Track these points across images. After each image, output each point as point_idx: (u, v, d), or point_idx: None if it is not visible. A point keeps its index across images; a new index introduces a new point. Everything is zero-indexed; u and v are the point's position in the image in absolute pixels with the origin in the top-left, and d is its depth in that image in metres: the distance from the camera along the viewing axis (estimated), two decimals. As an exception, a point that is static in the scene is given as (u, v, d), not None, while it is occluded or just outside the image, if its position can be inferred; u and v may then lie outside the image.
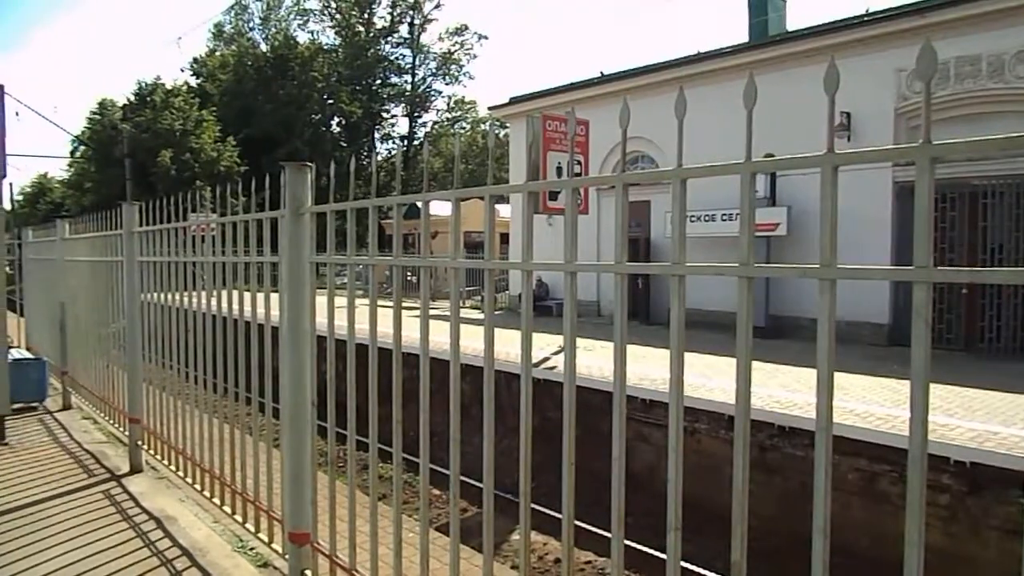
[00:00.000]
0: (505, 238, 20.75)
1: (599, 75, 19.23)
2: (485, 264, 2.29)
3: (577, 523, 2.05)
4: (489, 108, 24.10)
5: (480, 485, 2.26)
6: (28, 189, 54.00)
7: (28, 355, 8.02)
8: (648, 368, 9.99)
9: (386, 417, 2.64)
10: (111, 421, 6.18)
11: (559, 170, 12.54)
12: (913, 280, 1.24)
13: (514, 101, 21.22)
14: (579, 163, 12.80)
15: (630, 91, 17.23)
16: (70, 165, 46.02)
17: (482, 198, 2.27)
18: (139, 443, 5.22)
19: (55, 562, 3.60)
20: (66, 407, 7.35)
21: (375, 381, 2.70)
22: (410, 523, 4.10)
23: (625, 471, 1.83)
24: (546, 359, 10.46)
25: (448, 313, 2.46)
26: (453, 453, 2.35)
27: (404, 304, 2.75)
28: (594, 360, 10.25)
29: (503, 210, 21.12)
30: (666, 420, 1.74)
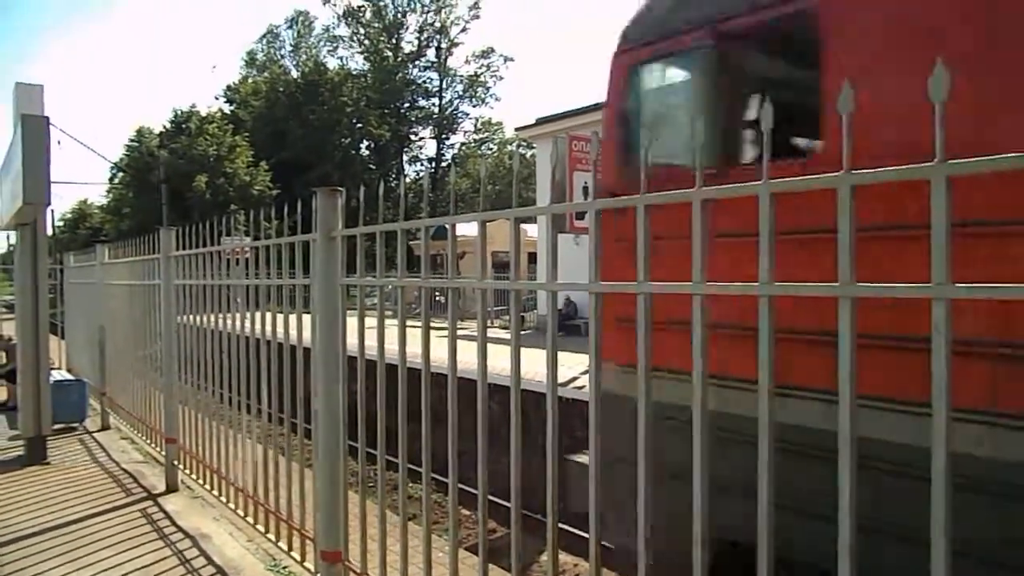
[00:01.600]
0: (533, 257, 20.79)
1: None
2: (512, 285, 2.33)
3: (604, 544, 2.06)
4: (516, 129, 24.28)
5: (509, 505, 2.28)
6: (69, 215, 55.54)
7: (69, 377, 8.25)
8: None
9: (416, 437, 2.68)
10: (148, 441, 6.32)
11: (585, 190, 12.57)
12: (933, 296, 1.25)
13: (541, 122, 21.33)
14: (605, 182, 12.82)
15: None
16: (109, 191, 47.37)
17: (508, 220, 2.32)
18: (175, 463, 5.33)
19: (93, 579, 3.70)
20: (105, 427, 7.53)
21: (404, 401, 2.75)
22: (440, 543, 4.12)
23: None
24: (574, 379, 10.43)
25: (476, 333, 2.50)
26: (481, 473, 2.38)
27: (433, 324, 2.80)
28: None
29: (530, 229, 21.19)
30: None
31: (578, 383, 10.18)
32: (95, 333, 7.93)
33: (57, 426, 6.89)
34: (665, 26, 3.69)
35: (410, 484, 3.14)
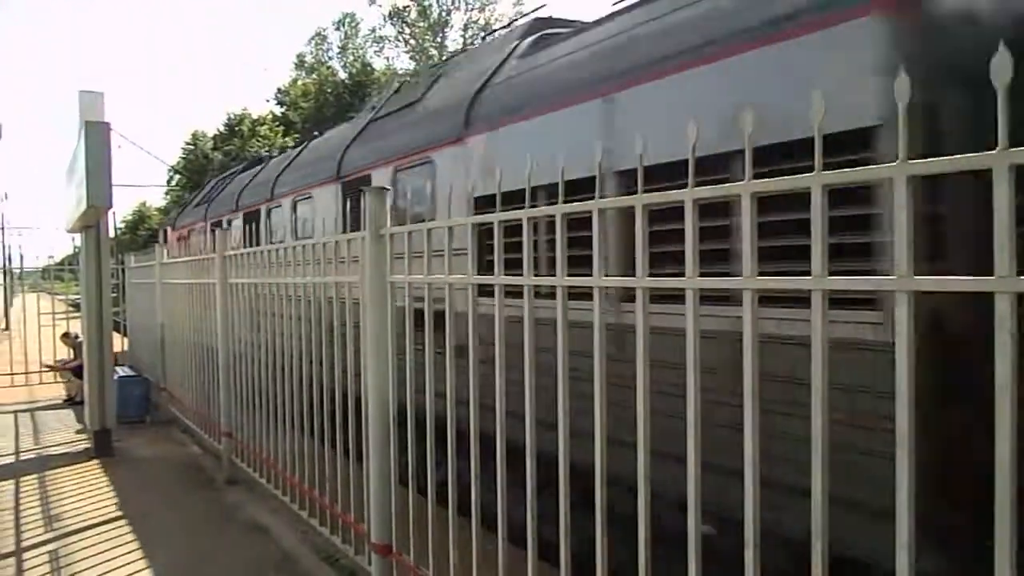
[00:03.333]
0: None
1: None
2: (590, 281, 2.32)
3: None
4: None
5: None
6: (129, 217, 57.52)
7: (132, 373, 8.57)
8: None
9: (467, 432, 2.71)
10: (207, 435, 6.52)
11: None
12: (995, 290, 1.21)
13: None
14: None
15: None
16: (167, 193, 48.88)
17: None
18: (233, 456, 5.49)
19: (158, 566, 3.85)
20: (165, 421, 7.80)
21: (453, 400, 2.78)
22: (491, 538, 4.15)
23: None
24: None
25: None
26: (530, 468, 2.39)
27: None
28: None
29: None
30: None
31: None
32: (155, 331, 8.23)
33: (121, 420, 7.17)
34: None
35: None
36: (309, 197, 7.26)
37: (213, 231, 6.28)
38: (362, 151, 6.44)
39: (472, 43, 54.14)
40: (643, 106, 3.53)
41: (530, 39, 5.17)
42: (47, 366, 9.85)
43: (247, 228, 8.65)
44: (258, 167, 11.46)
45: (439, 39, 54.81)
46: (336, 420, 3.83)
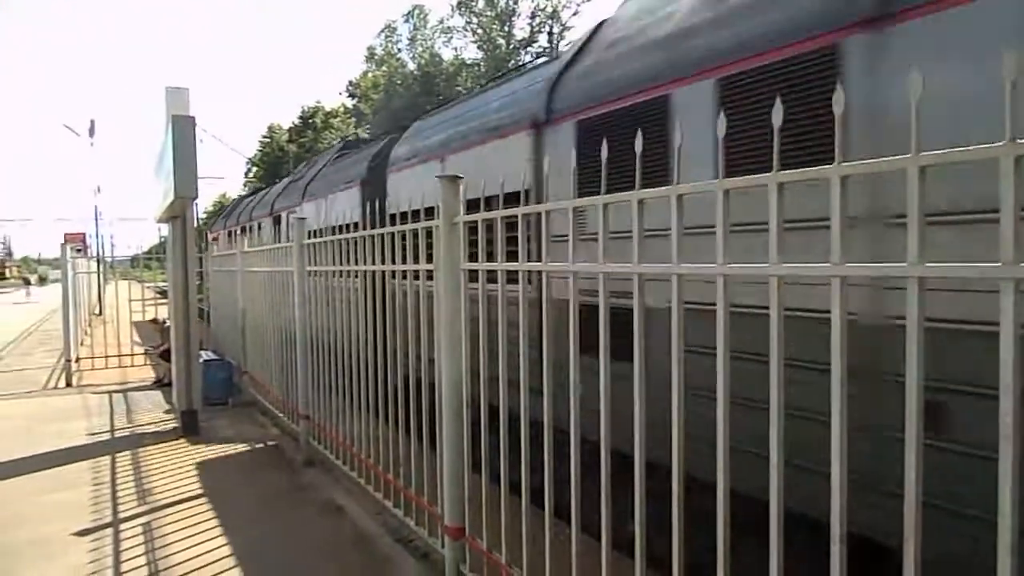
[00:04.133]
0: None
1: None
2: (674, 269, 2.31)
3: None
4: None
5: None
6: (210, 208, 60.03)
7: (215, 357, 8.95)
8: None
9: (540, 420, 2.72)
10: (285, 417, 6.76)
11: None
12: (1000, 277, 1.23)
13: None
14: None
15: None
16: (245, 184, 50.75)
17: (643, 201, 2.28)
18: (310, 438, 5.68)
19: (242, 541, 4.02)
20: (247, 403, 8.13)
21: (526, 386, 2.79)
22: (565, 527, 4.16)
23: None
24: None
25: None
26: (604, 459, 2.38)
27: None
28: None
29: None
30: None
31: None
32: (236, 317, 8.57)
33: (205, 401, 7.50)
34: None
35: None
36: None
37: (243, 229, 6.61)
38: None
39: (540, 30, 53.99)
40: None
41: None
42: (149, 347, 10.36)
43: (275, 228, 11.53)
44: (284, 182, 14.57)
45: (506, 28, 54.79)
46: (410, 405, 3.91)
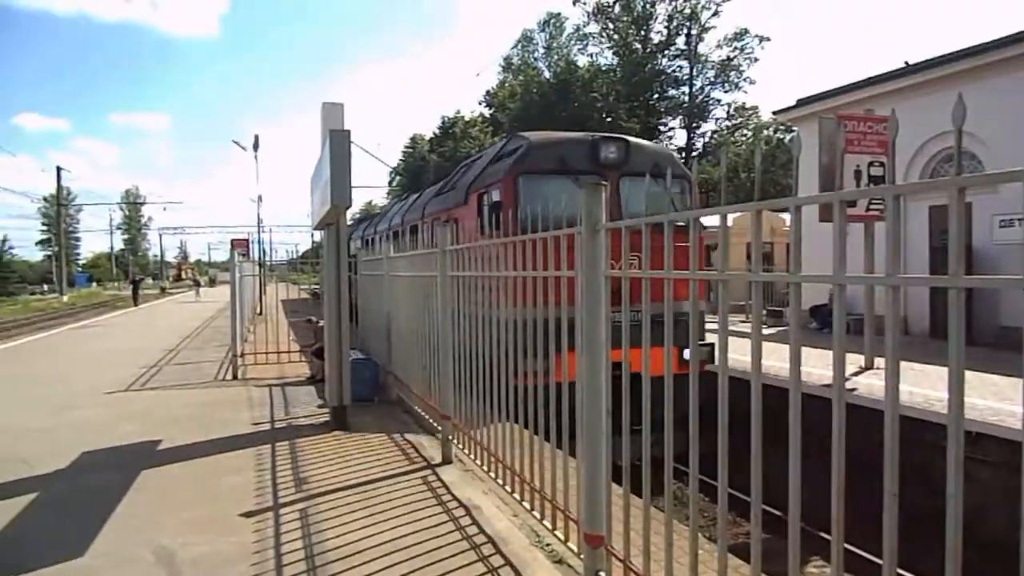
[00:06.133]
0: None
1: (903, 65, 17.10)
2: (791, 278, 2.21)
3: (900, 572, 1.87)
4: (773, 113, 22.83)
5: (778, 513, 2.17)
6: (356, 215, 63.72)
7: (362, 356, 9.47)
8: (972, 397, 8.61)
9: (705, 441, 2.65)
10: (426, 416, 7.03)
11: (857, 174, 11.51)
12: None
13: (802, 103, 19.83)
14: (880, 164, 11.59)
15: (940, 81, 15.13)
16: (388, 193, 53.41)
17: (786, 210, 2.20)
18: (450, 438, 5.87)
19: (387, 533, 4.21)
20: (391, 401, 8.54)
21: (670, 397, 2.74)
22: (705, 542, 4.04)
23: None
24: (852, 376, 9.54)
25: (743, 329, 2.41)
26: (754, 475, 2.29)
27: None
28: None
29: (784, 218, 19.84)
30: (995, 456, 1.52)
31: (848, 384, 9.30)
32: (382, 319, 9.03)
33: (353, 398, 7.95)
34: None
35: (677, 484, 3.11)
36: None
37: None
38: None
39: (678, 33, 52.83)
40: None
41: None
42: (304, 346, 11.13)
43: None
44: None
45: (642, 32, 54.08)
46: (549, 411, 3.94)
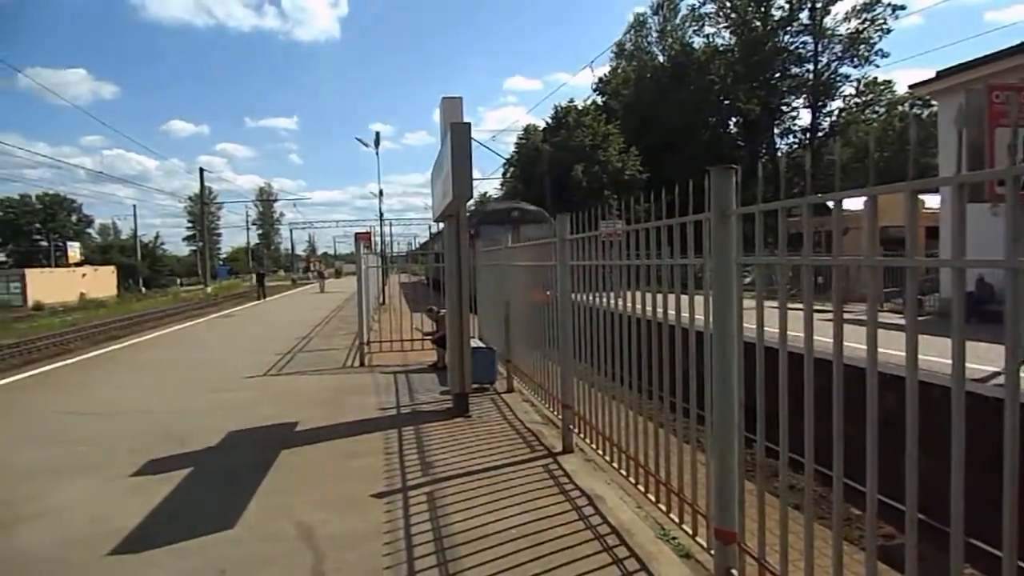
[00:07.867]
0: (932, 232, 18.00)
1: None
2: (907, 262, 2.06)
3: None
4: (910, 87, 21.12)
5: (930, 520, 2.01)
6: (472, 207, 65.02)
7: (482, 345, 9.66)
8: None
9: (824, 431, 2.52)
10: (546, 405, 7.07)
11: (1011, 149, 10.46)
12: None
13: (942, 75, 18.23)
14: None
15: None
16: (502, 184, 54.06)
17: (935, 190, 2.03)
18: (570, 427, 5.87)
19: (511, 520, 4.28)
20: (509, 390, 8.65)
21: (812, 391, 2.60)
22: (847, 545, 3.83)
23: None
24: (994, 374, 8.74)
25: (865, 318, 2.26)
26: (870, 476, 2.14)
27: (820, 308, 2.59)
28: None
29: (928, 199, 18.38)
30: None
31: (997, 380, 8.52)
32: (501, 308, 9.15)
33: (473, 386, 8.13)
34: None
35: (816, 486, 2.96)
36: None
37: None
38: None
39: (801, 7, 49.93)
40: None
41: None
42: (425, 334, 11.50)
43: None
44: None
45: (762, 9, 51.55)
46: (677, 403, 3.85)
